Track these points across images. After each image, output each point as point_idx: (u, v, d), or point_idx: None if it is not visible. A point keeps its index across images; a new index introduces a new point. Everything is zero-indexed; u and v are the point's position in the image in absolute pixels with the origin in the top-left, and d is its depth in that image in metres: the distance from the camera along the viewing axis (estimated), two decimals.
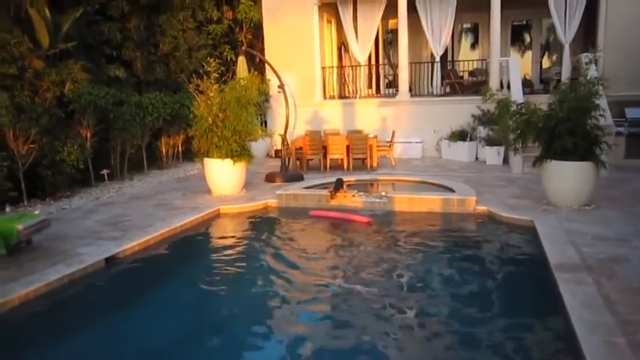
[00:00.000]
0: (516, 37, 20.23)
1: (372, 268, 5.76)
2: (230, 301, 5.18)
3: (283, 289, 5.33)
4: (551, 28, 15.67)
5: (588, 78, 7.67)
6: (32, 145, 8.59)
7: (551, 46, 20.86)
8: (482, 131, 12.12)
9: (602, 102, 8.26)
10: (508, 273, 5.58)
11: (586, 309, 4.07)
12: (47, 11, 9.81)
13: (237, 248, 6.69)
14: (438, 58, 13.74)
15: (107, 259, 5.77)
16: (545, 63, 20.23)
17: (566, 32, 12.41)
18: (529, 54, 19.17)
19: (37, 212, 6.99)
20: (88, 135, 9.83)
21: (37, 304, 4.78)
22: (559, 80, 12.18)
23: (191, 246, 6.85)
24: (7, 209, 7.49)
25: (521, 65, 12.73)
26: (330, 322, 4.63)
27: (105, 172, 10.45)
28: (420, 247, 6.42)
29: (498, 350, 3.92)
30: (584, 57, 10.31)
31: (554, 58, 20.40)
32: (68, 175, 9.25)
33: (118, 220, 7.43)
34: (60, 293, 5.01)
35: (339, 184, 8.42)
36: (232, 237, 7.25)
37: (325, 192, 8.41)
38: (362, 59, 14.46)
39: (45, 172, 8.92)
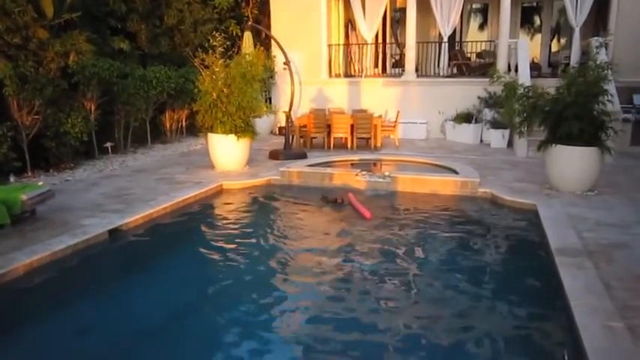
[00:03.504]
0: (526, 19, 19.92)
1: (370, 245, 5.79)
2: (230, 274, 5.20)
3: (284, 264, 5.36)
4: (562, 11, 15.44)
5: (598, 62, 7.58)
6: (36, 116, 8.58)
7: (561, 29, 20.57)
8: (488, 114, 12.04)
9: (611, 87, 8.18)
10: (509, 256, 5.61)
11: (586, 293, 4.09)
12: None
13: (239, 223, 6.71)
14: (445, 39, 13.58)
15: (110, 231, 5.80)
16: (555, 46, 19.98)
17: (577, 15, 12.22)
18: (538, 37, 18.93)
19: (40, 183, 7.02)
20: (92, 107, 9.81)
21: (41, 273, 4.82)
22: (568, 64, 12.04)
23: (193, 220, 6.87)
24: (11, 179, 7.54)
25: (530, 48, 12.55)
26: (331, 296, 4.66)
27: (109, 144, 10.46)
28: (420, 227, 6.42)
29: (495, 332, 3.95)
30: (595, 41, 10.20)
31: (564, 41, 20.14)
32: (72, 147, 9.26)
33: (122, 193, 7.46)
34: (64, 263, 5.05)
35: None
36: (235, 212, 7.28)
37: (329, 170, 8.36)
38: (369, 37, 14.30)
39: (49, 144, 8.93)
